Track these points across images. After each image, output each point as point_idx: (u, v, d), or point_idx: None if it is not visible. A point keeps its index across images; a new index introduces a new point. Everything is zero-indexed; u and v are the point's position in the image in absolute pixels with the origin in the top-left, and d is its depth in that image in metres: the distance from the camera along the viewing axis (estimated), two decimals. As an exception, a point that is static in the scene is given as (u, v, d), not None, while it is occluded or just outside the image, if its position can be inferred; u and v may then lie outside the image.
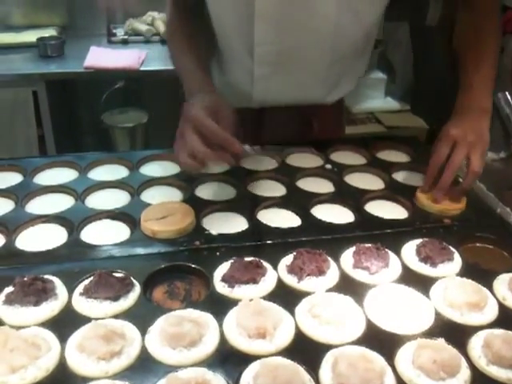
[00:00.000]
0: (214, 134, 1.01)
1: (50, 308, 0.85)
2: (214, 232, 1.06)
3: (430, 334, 0.83)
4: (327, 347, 0.80)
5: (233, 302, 0.88)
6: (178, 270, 0.97)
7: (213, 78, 1.31)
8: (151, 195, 1.18)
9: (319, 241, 1.03)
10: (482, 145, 1.15)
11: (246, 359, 0.78)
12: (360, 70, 1.41)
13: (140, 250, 1.01)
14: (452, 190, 1.14)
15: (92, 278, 0.90)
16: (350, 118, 2.61)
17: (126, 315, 0.85)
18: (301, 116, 1.41)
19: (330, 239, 1.04)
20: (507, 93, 1.35)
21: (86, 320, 0.83)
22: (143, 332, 0.82)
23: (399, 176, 1.28)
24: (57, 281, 0.91)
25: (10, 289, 0.88)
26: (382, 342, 0.81)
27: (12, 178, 1.23)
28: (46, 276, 0.91)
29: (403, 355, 0.79)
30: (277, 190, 1.22)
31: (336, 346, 0.80)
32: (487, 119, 1.19)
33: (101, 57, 2.53)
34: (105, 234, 1.05)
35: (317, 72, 1.29)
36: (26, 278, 0.88)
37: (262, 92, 1.32)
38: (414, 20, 2.91)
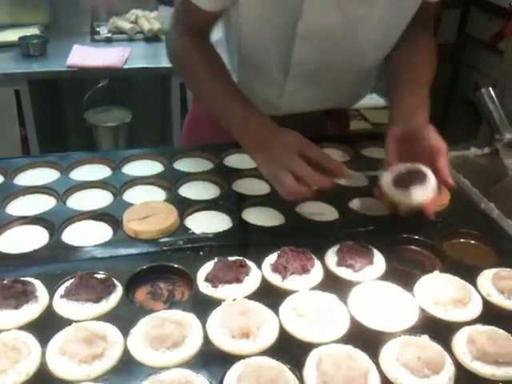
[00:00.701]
0: (325, 158, 0.99)
1: (31, 311, 0.84)
2: (197, 231, 1.05)
3: (414, 330, 0.83)
4: (311, 346, 0.79)
5: (217, 302, 0.87)
6: (161, 271, 0.96)
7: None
8: (134, 195, 1.17)
9: (304, 239, 1.02)
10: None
11: (229, 360, 0.77)
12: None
13: (122, 251, 1.00)
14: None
15: (73, 279, 0.89)
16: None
17: (107, 317, 0.84)
18: (318, 118, 1.41)
19: (314, 237, 1.04)
20: (490, 88, 1.35)
21: (67, 323, 0.82)
22: (125, 334, 0.81)
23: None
24: (37, 283, 0.89)
25: (-11, 292, 0.87)
26: (366, 339, 0.81)
27: (-6, 179, 1.21)
28: (27, 278, 0.89)
29: (388, 353, 0.79)
30: (261, 188, 1.22)
31: (320, 345, 0.79)
32: None
33: (84, 55, 2.51)
34: (87, 235, 1.03)
35: (346, 83, 1.29)
36: (5, 281, 0.87)
37: (290, 104, 1.31)
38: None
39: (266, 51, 1.21)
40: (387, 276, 0.94)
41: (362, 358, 0.77)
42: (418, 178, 0.99)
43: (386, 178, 1.02)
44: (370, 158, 1.34)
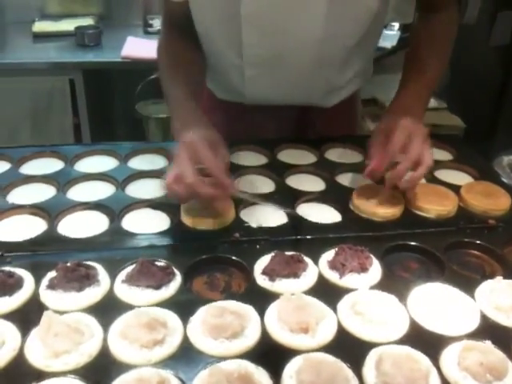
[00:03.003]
0: (212, 167, 0.98)
1: (93, 294, 0.86)
2: (253, 225, 1.06)
3: (476, 336, 0.81)
4: (370, 345, 0.79)
5: (273, 296, 0.87)
6: (218, 262, 0.96)
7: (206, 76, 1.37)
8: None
9: (361, 237, 1.02)
10: (428, 142, 1.10)
11: (287, 354, 0.77)
12: (362, 72, 1.36)
13: (180, 241, 1.01)
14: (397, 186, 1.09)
15: (134, 265, 0.90)
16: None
17: (167, 304, 0.85)
18: (302, 116, 1.40)
19: (371, 236, 1.03)
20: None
21: (127, 307, 0.84)
22: (184, 322, 0.82)
23: (441, 174, 1.25)
24: (99, 267, 0.91)
25: (52, 274, 0.89)
26: (426, 342, 0.80)
27: (53, 165, 1.24)
28: (89, 262, 0.91)
29: (448, 357, 0.77)
30: (316, 184, 1.21)
31: (379, 345, 0.79)
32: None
33: (138, 47, 2.54)
34: (145, 223, 1.05)
35: (307, 75, 1.26)
36: (69, 264, 0.89)
37: (254, 91, 1.31)
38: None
39: (219, 35, 1.23)
40: (447, 280, 0.92)
41: (422, 359, 0.76)
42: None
43: None
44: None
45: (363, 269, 0.92)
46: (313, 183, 1.22)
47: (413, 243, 1.00)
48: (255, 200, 1.09)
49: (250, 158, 1.32)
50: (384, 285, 0.90)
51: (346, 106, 1.41)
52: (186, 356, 0.77)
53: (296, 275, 0.91)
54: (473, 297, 0.89)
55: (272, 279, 0.90)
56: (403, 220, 1.08)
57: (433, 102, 2.65)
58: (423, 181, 1.22)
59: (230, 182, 1.00)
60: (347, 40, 1.21)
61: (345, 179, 1.24)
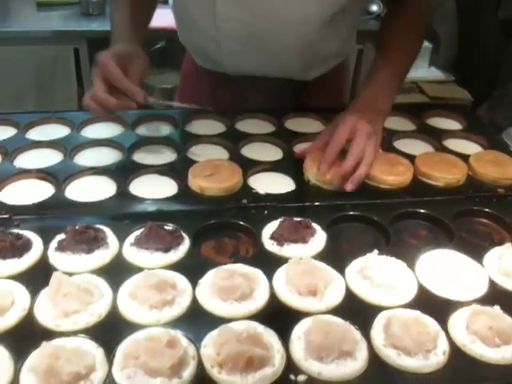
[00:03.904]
0: (118, 82, 1.04)
1: (102, 256, 0.86)
2: (261, 191, 1.05)
3: (484, 301, 0.81)
4: (379, 309, 0.79)
5: (281, 260, 0.87)
6: (226, 227, 0.97)
7: (186, 44, 1.38)
8: (198, 153, 1.17)
9: (369, 204, 1.01)
10: (376, 140, 1.10)
11: (296, 316, 0.78)
12: (344, 44, 1.34)
13: (188, 206, 1.01)
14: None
15: (143, 229, 0.90)
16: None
17: (176, 267, 0.85)
18: (286, 88, 1.37)
19: (379, 203, 1.03)
20: None
21: (136, 269, 0.84)
22: (193, 284, 0.82)
23: (450, 143, 1.25)
24: (107, 230, 0.91)
25: (61, 236, 0.89)
26: (434, 306, 0.80)
27: (59, 131, 1.24)
28: (97, 225, 0.91)
29: (457, 321, 0.78)
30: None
31: (387, 308, 0.79)
32: (382, 120, 1.15)
33: (142, 16, 2.50)
34: (153, 189, 1.04)
35: (286, 48, 1.24)
36: (77, 227, 0.89)
37: (233, 64, 1.31)
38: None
39: (195, 7, 1.22)
40: (456, 247, 0.92)
41: (430, 323, 0.76)
42: None
43: None
44: (436, 128, 1.31)
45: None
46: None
47: (421, 211, 1.00)
48: (166, 104, 1.18)
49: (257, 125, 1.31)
50: (392, 251, 0.90)
51: (330, 78, 1.39)
52: (195, 317, 0.77)
53: (304, 240, 0.91)
54: (481, 263, 0.89)
55: (280, 244, 0.90)
56: (412, 188, 1.08)
57: (440, 75, 2.63)
58: (432, 149, 1.22)
59: (135, 89, 1.05)
60: (325, 9, 1.17)
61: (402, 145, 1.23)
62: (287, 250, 0.90)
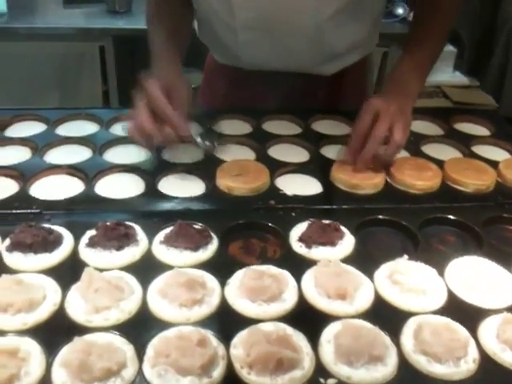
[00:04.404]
0: (167, 118, 1.02)
1: (132, 253, 0.87)
2: (288, 192, 1.05)
3: (515, 309, 0.81)
4: (409, 314, 0.79)
5: (309, 263, 0.87)
6: (254, 228, 0.97)
7: (203, 39, 1.37)
8: (225, 153, 1.18)
9: (397, 209, 1.01)
10: (405, 119, 1.08)
11: (325, 319, 0.78)
12: (362, 39, 1.32)
13: (216, 205, 1.01)
14: (373, 162, 1.08)
15: (172, 227, 0.91)
16: (415, 91, 2.53)
17: (204, 266, 0.86)
18: (304, 86, 1.36)
19: (408, 208, 1.02)
20: None
21: (166, 267, 0.85)
22: (222, 283, 0.82)
23: (479, 149, 1.23)
24: (137, 228, 0.92)
25: (92, 232, 0.90)
26: (464, 313, 0.80)
27: (88, 127, 1.25)
28: (127, 222, 0.92)
29: (487, 329, 0.77)
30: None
31: (417, 314, 0.79)
32: (411, 103, 1.13)
33: (168, 15, 2.52)
34: (181, 187, 1.05)
35: (302, 38, 1.23)
36: (109, 223, 0.90)
37: (250, 56, 1.30)
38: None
39: None
40: (485, 254, 0.92)
41: (461, 330, 0.76)
42: None
43: None
44: (465, 133, 1.30)
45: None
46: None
47: (450, 217, 0.99)
48: (209, 148, 1.11)
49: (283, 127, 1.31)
50: (421, 257, 0.89)
51: (350, 76, 1.38)
52: (224, 316, 0.78)
53: (333, 243, 0.91)
54: (511, 271, 0.88)
55: (308, 246, 0.90)
56: (440, 193, 1.07)
57: (465, 80, 2.61)
58: (460, 155, 1.21)
59: (184, 128, 1.03)
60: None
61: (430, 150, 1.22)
62: (315, 252, 0.90)
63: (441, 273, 0.86)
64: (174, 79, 1.09)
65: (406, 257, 0.87)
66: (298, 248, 0.91)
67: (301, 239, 0.92)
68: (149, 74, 1.08)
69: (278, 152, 1.20)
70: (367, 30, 1.32)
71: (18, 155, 1.13)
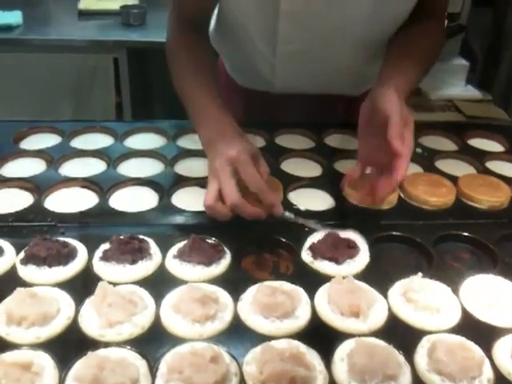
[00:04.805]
0: (257, 186, 0.93)
1: (145, 267, 0.87)
2: (301, 207, 1.05)
3: (530, 329, 0.80)
4: (422, 333, 0.78)
5: (323, 278, 0.87)
6: (267, 243, 0.97)
7: (229, 61, 1.34)
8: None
9: (411, 225, 1.01)
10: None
11: (338, 337, 0.77)
12: None
13: (228, 220, 1.01)
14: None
15: (186, 241, 0.91)
16: (427, 105, 2.52)
17: (218, 281, 0.86)
18: (325, 104, 1.36)
19: (421, 224, 1.02)
20: None
21: (179, 282, 0.85)
22: (235, 299, 0.82)
23: (493, 165, 1.23)
24: (151, 241, 0.92)
25: (106, 246, 0.90)
26: (478, 332, 0.79)
27: (103, 140, 1.26)
28: (141, 236, 0.92)
29: (502, 348, 0.76)
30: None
31: (431, 333, 0.78)
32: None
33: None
34: (195, 201, 1.05)
35: (341, 66, 1.24)
36: (122, 237, 0.90)
37: (284, 82, 1.29)
38: (499, 6, 2.79)
39: (254, 29, 1.17)
40: (500, 272, 0.91)
41: (475, 349, 0.75)
42: None
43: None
44: (479, 149, 1.30)
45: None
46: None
47: (465, 233, 0.98)
48: (297, 220, 1.01)
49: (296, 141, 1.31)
50: (435, 275, 0.89)
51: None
52: (237, 333, 0.77)
53: (337, 261, 0.90)
54: (526, 290, 0.87)
55: (314, 257, 0.91)
56: (454, 209, 1.07)
57: (477, 94, 2.60)
58: (474, 171, 1.21)
59: (278, 205, 0.97)
60: (386, 25, 1.15)
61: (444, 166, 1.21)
62: (318, 264, 0.90)
63: (455, 291, 0.86)
64: (253, 150, 0.98)
65: (420, 274, 0.86)
66: (306, 255, 0.92)
67: (310, 247, 0.92)
68: (223, 144, 0.97)
69: (291, 166, 1.20)
70: None
71: (33, 167, 1.14)
